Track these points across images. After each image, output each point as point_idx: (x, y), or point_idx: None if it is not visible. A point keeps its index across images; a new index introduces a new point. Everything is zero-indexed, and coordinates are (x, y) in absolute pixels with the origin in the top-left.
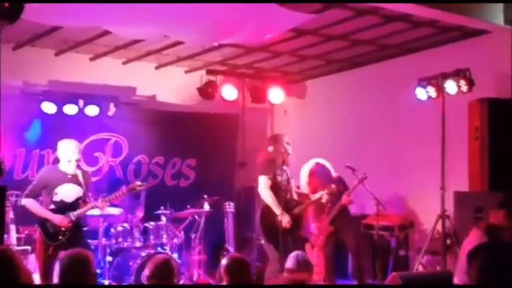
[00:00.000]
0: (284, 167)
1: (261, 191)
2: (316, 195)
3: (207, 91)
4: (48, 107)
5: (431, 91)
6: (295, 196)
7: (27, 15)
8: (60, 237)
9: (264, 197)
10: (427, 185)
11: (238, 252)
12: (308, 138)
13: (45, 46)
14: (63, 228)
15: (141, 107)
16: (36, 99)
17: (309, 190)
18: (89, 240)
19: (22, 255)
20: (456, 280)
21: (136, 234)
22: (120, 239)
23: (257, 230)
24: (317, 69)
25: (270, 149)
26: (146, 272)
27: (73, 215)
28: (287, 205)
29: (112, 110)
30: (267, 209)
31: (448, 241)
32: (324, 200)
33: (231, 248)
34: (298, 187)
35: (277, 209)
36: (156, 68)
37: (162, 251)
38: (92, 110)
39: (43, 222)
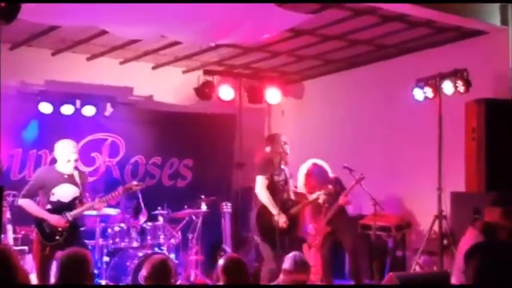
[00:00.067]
0: (282, 167)
1: (257, 191)
2: (313, 196)
3: (204, 91)
4: (45, 107)
5: (429, 91)
6: (292, 196)
7: (24, 15)
8: (57, 237)
9: (260, 197)
10: (424, 185)
11: (235, 252)
12: (305, 138)
13: (42, 46)
14: (59, 229)
15: (138, 107)
16: (33, 99)
17: (306, 190)
18: (86, 241)
19: (19, 255)
20: (453, 280)
21: (134, 234)
22: (117, 239)
23: (253, 230)
24: (315, 70)
25: (268, 149)
26: (143, 272)
27: (70, 215)
28: (284, 205)
29: (109, 110)
30: (263, 209)
31: (445, 241)
32: (320, 201)
33: (228, 248)
34: (296, 187)
35: (274, 209)
36: (153, 68)
37: (159, 251)
38: (88, 110)
39: (40, 223)
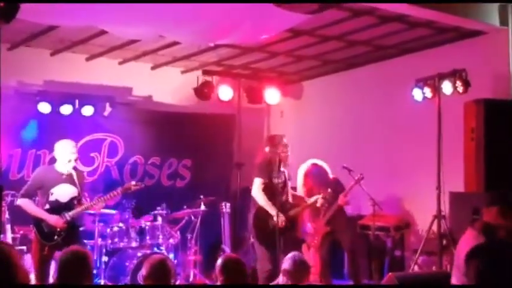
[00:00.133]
0: (282, 169)
1: (254, 194)
2: (312, 199)
3: (203, 91)
4: (44, 107)
5: (428, 92)
6: (290, 199)
7: (23, 14)
8: (55, 237)
9: (257, 200)
10: (423, 185)
11: (234, 252)
12: (305, 138)
13: (40, 46)
14: (58, 229)
15: (137, 107)
16: (32, 99)
17: (305, 191)
18: (84, 240)
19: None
20: (453, 280)
21: (133, 234)
22: (116, 239)
23: (250, 231)
24: (313, 70)
25: (267, 149)
26: (143, 272)
27: (68, 215)
28: (282, 207)
29: (108, 110)
30: (260, 210)
31: (444, 241)
32: (318, 205)
33: (227, 248)
34: (293, 188)
35: (272, 210)
36: (152, 68)
37: (158, 251)
38: (87, 110)
39: (38, 222)
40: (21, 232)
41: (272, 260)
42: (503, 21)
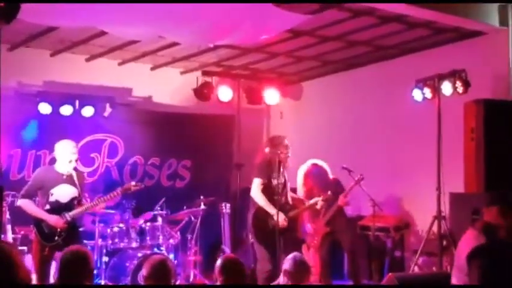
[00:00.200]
0: (282, 170)
1: (253, 194)
2: (311, 201)
3: (202, 92)
4: (44, 108)
5: (427, 92)
6: (290, 200)
7: (23, 15)
8: (55, 237)
9: (257, 200)
10: (423, 186)
11: (234, 252)
12: (304, 139)
13: (40, 47)
14: (58, 229)
15: (136, 108)
16: (32, 100)
17: (304, 191)
18: (85, 241)
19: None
20: (454, 280)
21: (133, 234)
22: (116, 240)
23: (249, 231)
24: (313, 70)
25: (267, 150)
26: (143, 273)
27: (69, 215)
28: (282, 208)
29: (108, 110)
30: (260, 210)
31: (444, 242)
32: (318, 207)
33: (227, 248)
34: (293, 190)
35: (271, 210)
36: (152, 69)
37: (158, 251)
38: (87, 111)
39: (38, 223)
40: (22, 232)
41: (272, 260)
42: (503, 22)
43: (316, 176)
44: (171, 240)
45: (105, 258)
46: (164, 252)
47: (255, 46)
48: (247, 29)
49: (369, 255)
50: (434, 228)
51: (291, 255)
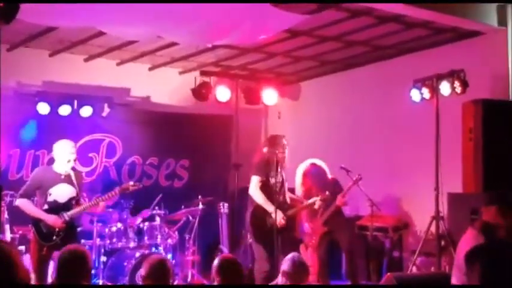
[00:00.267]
0: (279, 169)
1: (251, 192)
2: (310, 201)
3: (201, 92)
4: (43, 108)
5: (426, 92)
6: (288, 200)
7: (22, 15)
8: (53, 237)
9: (255, 198)
10: (421, 186)
11: (232, 252)
12: (302, 139)
13: (39, 47)
14: (56, 229)
15: (135, 108)
16: (30, 100)
17: (303, 190)
18: (83, 240)
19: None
20: (454, 280)
21: (131, 234)
22: (114, 239)
23: (247, 230)
24: (311, 70)
25: (265, 149)
26: (142, 272)
27: (67, 215)
28: (280, 207)
29: (106, 110)
30: (258, 208)
31: (442, 242)
32: (316, 207)
33: (225, 248)
34: (291, 190)
35: (269, 207)
36: (150, 69)
37: (156, 251)
38: (86, 111)
39: (37, 223)
40: (20, 232)
41: (270, 259)
42: (502, 22)
43: (315, 175)
44: (169, 240)
45: (103, 258)
46: (162, 252)
47: (253, 46)
48: (245, 29)
49: (367, 255)
50: (433, 229)
51: (289, 256)
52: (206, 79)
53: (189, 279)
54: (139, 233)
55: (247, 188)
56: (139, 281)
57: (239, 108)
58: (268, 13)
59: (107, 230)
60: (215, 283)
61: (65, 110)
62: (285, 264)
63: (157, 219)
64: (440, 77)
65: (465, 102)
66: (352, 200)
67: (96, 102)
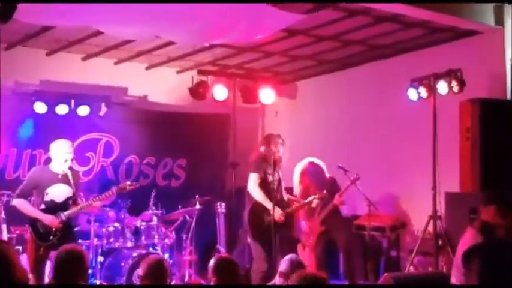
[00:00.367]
0: (276, 168)
1: (250, 189)
2: (307, 200)
3: (198, 91)
4: (40, 107)
5: (423, 91)
6: (285, 198)
7: (19, 15)
8: (50, 237)
9: (254, 195)
10: (419, 185)
11: (229, 252)
12: (299, 138)
13: (36, 46)
14: (53, 229)
15: (132, 107)
16: (27, 99)
17: (301, 189)
18: (80, 240)
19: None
20: (453, 280)
21: (128, 234)
22: (111, 239)
23: (245, 228)
24: (308, 70)
25: (262, 148)
26: (139, 272)
27: (64, 215)
28: (278, 204)
29: (103, 110)
30: (256, 206)
31: (440, 242)
32: (313, 205)
33: (222, 248)
34: (288, 189)
35: (268, 204)
36: (147, 68)
37: (153, 251)
38: (83, 110)
39: (33, 223)
40: (17, 232)
41: (268, 259)
42: (499, 21)
43: (312, 174)
44: (166, 240)
45: (100, 258)
46: (159, 251)
47: (250, 45)
48: (242, 29)
49: (364, 254)
50: (430, 228)
51: (287, 257)
52: (203, 78)
53: (186, 279)
54: (136, 232)
55: (244, 187)
56: (136, 281)
57: (236, 107)
58: (265, 13)
59: (104, 229)
60: (212, 283)
61: (62, 109)
62: (283, 264)
63: (155, 219)
64: (437, 76)
65: (462, 101)
66: (350, 200)
67: (93, 101)
